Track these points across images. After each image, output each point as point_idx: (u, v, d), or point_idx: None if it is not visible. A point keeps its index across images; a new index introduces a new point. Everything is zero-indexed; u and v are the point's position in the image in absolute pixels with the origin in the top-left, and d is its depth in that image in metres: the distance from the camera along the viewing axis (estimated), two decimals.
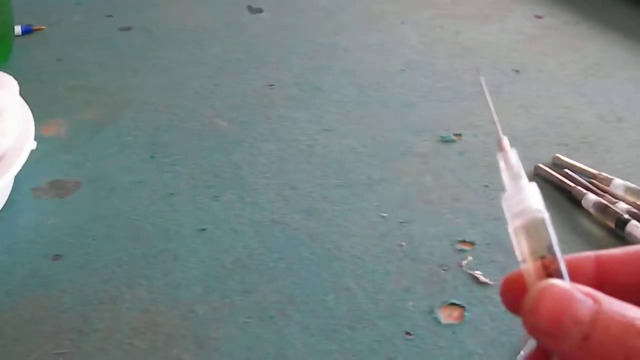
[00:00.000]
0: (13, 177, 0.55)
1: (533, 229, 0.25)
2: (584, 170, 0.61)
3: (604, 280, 0.24)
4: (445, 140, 0.66)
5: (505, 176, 0.27)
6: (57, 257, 0.53)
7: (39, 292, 0.50)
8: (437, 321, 0.48)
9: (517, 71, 0.78)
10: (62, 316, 0.48)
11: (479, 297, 0.50)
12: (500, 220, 0.56)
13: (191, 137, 0.67)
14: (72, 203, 0.59)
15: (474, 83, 0.76)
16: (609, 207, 0.56)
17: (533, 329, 0.21)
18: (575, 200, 0.58)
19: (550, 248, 0.24)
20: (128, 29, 0.86)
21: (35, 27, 0.85)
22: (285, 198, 0.59)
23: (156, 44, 0.83)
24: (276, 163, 0.63)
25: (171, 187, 0.60)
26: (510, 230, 0.25)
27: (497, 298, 0.49)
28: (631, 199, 0.57)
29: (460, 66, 0.79)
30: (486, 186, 0.61)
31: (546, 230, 0.25)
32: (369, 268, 0.52)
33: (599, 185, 0.59)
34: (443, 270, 0.52)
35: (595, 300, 0.20)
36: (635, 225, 0.54)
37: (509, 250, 0.53)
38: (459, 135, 0.67)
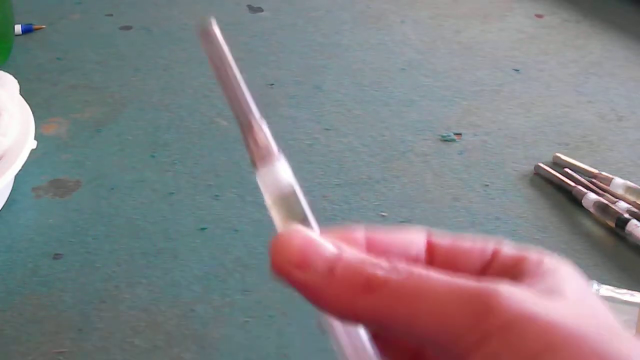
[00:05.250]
0: (13, 177, 0.55)
1: (286, 201, 0.27)
2: (584, 169, 0.61)
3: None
4: (445, 140, 0.66)
5: (256, 155, 0.28)
6: (57, 256, 0.53)
7: (39, 291, 0.50)
8: None
9: (517, 70, 0.78)
10: (62, 315, 0.48)
11: None
12: (501, 219, 0.56)
13: (191, 136, 0.67)
14: (73, 202, 0.59)
15: (475, 82, 0.76)
16: (609, 206, 0.56)
17: (282, 263, 0.24)
18: (575, 200, 0.58)
19: (304, 217, 0.26)
20: (128, 28, 0.86)
21: (35, 26, 0.85)
22: None
23: (156, 43, 0.83)
24: None
25: (171, 186, 0.60)
26: (267, 204, 0.27)
27: None
28: (631, 198, 0.57)
29: (460, 65, 0.79)
30: (486, 186, 0.61)
31: (299, 201, 0.27)
32: None
33: (599, 185, 0.59)
34: None
35: (338, 247, 0.24)
36: (635, 224, 0.54)
37: None
38: (459, 134, 0.67)
